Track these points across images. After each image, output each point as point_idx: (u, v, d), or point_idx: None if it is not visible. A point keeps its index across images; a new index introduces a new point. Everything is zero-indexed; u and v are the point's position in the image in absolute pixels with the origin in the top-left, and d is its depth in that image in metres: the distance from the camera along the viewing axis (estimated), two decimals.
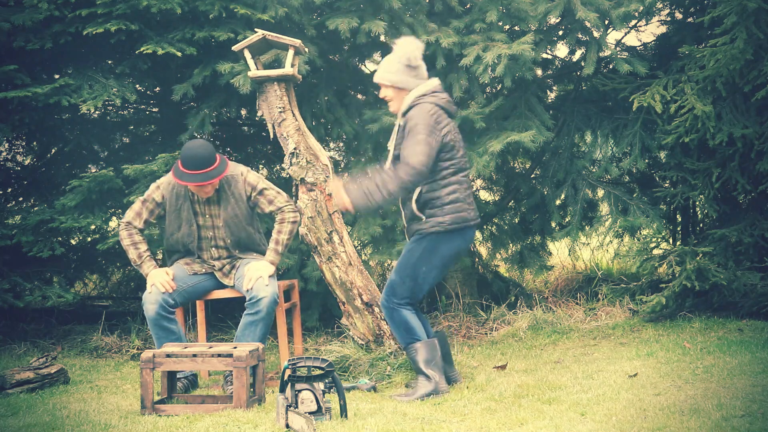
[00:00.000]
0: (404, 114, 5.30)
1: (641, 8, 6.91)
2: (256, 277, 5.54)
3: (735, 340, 6.24)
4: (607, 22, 6.94)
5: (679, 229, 7.89)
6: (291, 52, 5.74)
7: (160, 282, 5.53)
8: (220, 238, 5.72)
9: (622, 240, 7.92)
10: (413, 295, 5.36)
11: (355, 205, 5.19)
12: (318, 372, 4.77)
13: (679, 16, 7.64)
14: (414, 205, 5.27)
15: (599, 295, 7.45)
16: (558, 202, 7.48)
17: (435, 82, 5.37)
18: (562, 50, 7.64)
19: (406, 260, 5.35)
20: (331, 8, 6.81)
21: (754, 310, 6.82)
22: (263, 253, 5.80)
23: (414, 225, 5.34)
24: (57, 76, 6.72)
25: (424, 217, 5.27)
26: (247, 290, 5.54)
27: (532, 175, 7.72)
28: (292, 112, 5.83)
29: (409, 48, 5.32)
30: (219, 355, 5.04)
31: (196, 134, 6.84)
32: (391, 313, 5.38)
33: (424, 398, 5.19)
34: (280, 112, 5.79)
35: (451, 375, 5.53)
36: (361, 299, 5.80)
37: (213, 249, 5.74)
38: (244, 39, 5.97)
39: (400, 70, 5.31)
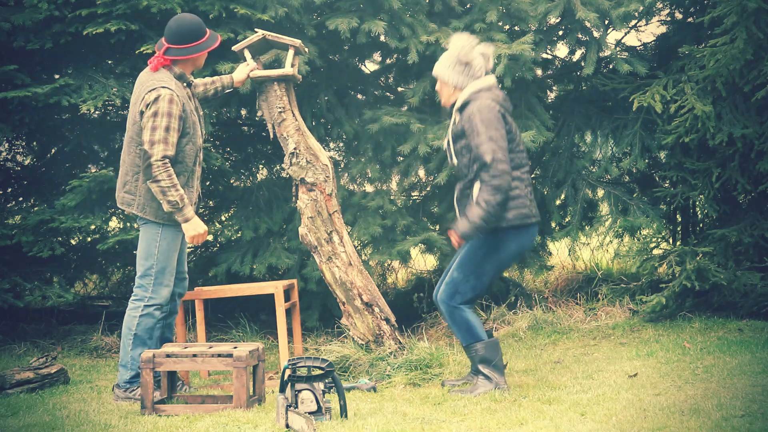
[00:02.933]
0: (461, 110, 5.28)
1: (641, 8, 6.90)
2: None
3: (735, 340, 6.24)
4: (607, 22, 6.94)
5: (679, 229, 7.88)
6: (291, 52, 5.74)
7: (202, 238, 5.31)
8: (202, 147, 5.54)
9: (622, 240, 7.92)
10: (476, 293, 5.33)
11: (471, 235, 5.16)
12: (318, 372, 4.77)
13: (679, 16, 7.64)
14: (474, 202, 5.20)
15: (599, 295, 7.44)
16: (558, 202, 7.48)
17: (491, 80, 5.34)
18: (562, 50, 7.64)
19: (469, 258, 5.29)
20: (331, 8, 6.81)
21: (754, 310, 6.82)
22: None
23: None
24: (57, 76, 6.72)
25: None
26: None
27: (533, 175, 7.72)
28: (292, 112, 5.83)
29: (459, 44, 5.29)
30: (219, 355, 5.05)
31: None
32: (452, 313, 5.34)
33: (479, 395, 5.19)
34: (280, 112, 5.78)
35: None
36: (361, 299, 5.80)
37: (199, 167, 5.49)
38: (244, 39, 5.97)
39: (451, 65, 5.29)
